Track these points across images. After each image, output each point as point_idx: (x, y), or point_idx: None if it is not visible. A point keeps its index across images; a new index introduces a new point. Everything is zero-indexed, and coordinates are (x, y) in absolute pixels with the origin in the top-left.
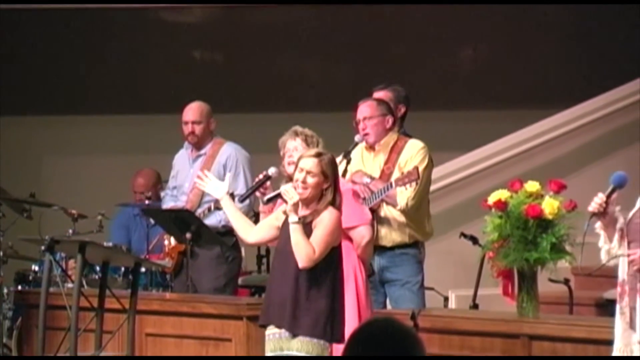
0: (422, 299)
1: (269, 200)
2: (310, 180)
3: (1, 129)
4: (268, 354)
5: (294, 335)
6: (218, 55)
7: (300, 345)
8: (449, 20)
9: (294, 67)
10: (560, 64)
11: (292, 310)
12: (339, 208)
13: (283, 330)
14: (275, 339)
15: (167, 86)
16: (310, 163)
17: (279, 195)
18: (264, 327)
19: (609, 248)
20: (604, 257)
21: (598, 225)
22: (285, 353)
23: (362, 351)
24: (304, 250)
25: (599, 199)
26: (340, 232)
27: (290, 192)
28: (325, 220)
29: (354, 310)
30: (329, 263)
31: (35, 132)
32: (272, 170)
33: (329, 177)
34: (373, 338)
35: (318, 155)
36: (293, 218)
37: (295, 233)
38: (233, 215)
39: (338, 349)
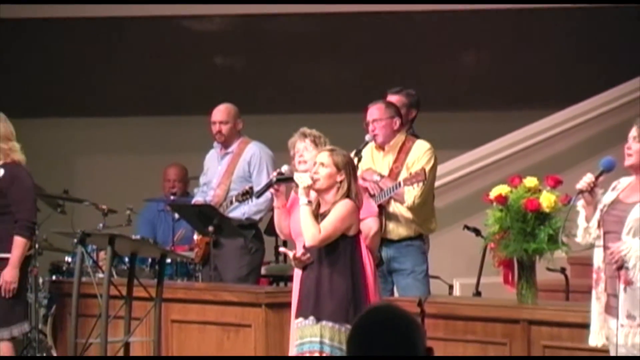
0: (427, 287)
1: (279, 180)
2: (322, 170)
3: (37, 131)
4: (293, 342)
5: (318, 320)
6: (237, 61)
7: (323, 331)
8: (453, 27)
9: (307, 72)
10: (555, 68)
11: (316, 297)
12: (356, 201)
13: (310, 318)
14: (300, 327)
15: (190, 90)
16: (322, 156)
17: (290, 179)
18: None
19: (587, 227)
20: (581, 233)
21: (581, 203)
22: (308, 340)
23: (365, 336)
24: (310, 230)
25: (588, 178)
26: (355, 222)
27: (303, 177)
28: (337, 207)
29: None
30: (347, 250)
31: (68, 133)
32: (284, 168)
33: (342, 170)
34: (376, 323)
35: (331, 150)
36: (303, 200)
37: (304, 213)
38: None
39: None
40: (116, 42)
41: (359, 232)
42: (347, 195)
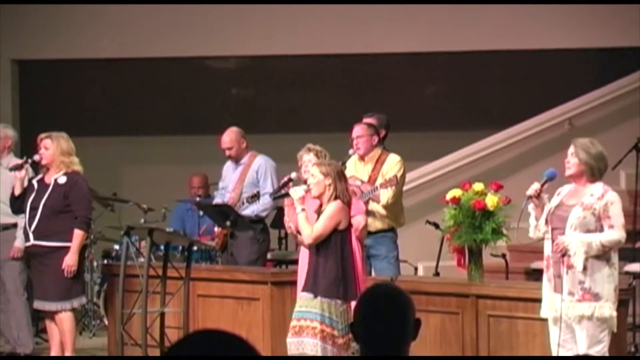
0: (397, 269)
1: (276, 197)
2: (312, 180)
3: (93, 147)
4: (297, 309)
5: (315, 296)
6: (249, 92)
7: (318, 304)
8: (417, 66)
9: (304, 101)
10: (497, 98)
11: (314, 277)
12: (345, 201)
13: (310, 293)
14: (303, 298)
15: (211, 114)
16: (312, 170)
17: (287, 194)
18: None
19: (536, 224)
20: (532, 230)
21: (531, 206)
22: (308, 310)
23: (368, 307)
24: (305, 231)
25: (535, 186)
26: (343, 218)
27: (296, 191)
28: (326, 209)
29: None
30: (338, 241)
31: (117, 149)
32: (293, 175)
33: (327, 176)
34: (377, 297)
35: (317, 163)
36: (298, 209)
37: (300, 218)
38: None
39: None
40: (154, 78)
41: (349, 226)
42: (336, 194)
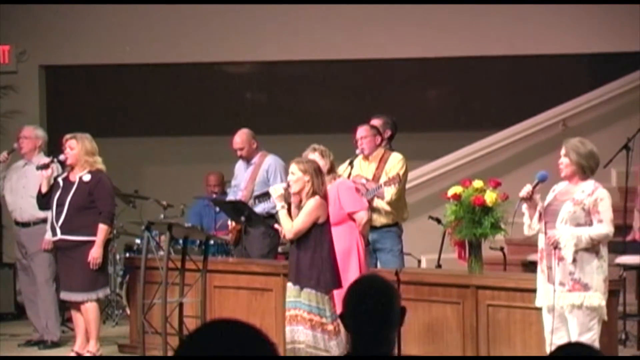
0: (402, 261)
1: (257, 197)
2: (292, 177)
3: (116, 147)
4: (287, 299)
5: (301, 287)
6: (261, 95)
7: (304, 295)
8: (421, 71)
9: (314, 104)
10: (495, 100)
11: (297, 270)
12: (322, 196)
13: (295, 285)
14: (291, 289)
15: (226, 117)
16: (291, 167)
17: (267, 194)
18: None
19: (530, 223)
20: (526, 228)
21: (524, 206)
22: (296, 299)
23: (356, 297)
24: (286, 226)
25: (527, 188)
26: (322, 213)
27: (276, 188)
28: (305, 206)
29: (356, 269)
30: (317, 235)
31: (138, 149)
32: None
33: (306, 173)
34: (364, 288)
35: (297, 161)
36: (278, 206)
37: (281, 215)
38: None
39: (339, 294)
40: (173, 83)
41: (327, 220)
42: (314, 190)
